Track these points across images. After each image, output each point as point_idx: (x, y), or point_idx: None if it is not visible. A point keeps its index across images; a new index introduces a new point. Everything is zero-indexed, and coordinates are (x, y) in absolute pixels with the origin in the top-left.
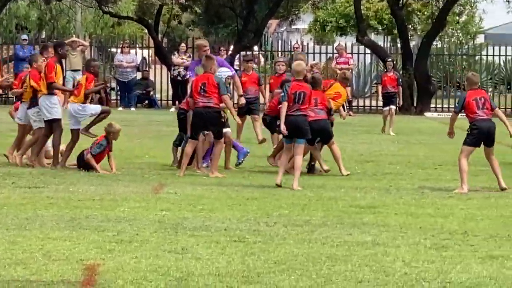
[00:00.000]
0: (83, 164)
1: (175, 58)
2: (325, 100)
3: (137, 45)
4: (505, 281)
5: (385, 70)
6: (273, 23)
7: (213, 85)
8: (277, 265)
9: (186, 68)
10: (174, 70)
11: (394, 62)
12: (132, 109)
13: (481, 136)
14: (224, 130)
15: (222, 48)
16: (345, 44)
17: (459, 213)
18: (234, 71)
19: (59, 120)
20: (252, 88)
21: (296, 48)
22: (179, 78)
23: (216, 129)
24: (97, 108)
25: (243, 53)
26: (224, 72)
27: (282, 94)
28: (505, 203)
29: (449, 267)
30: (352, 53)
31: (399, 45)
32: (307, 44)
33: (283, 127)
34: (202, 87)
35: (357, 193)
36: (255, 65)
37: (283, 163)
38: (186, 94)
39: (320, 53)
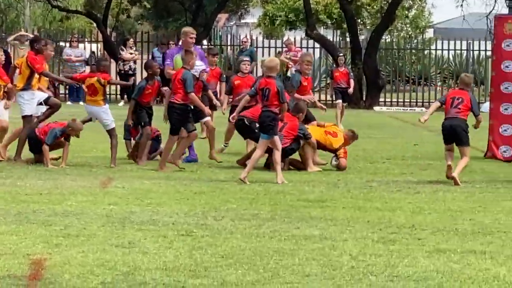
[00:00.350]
0: (34, 146)
1: (124, 54)
2: (294, 130)
3: (86, 39)
4: (452, 275)
5: (336, 65)
6: (222, 17)
7: (178, 81)
8: (225, 259)
9: (135, 62)
10: (124, 64)
11: (345, 57)
12: (81, 103)
13: (445, 133)
14: (205, 119)
15: (171, 42)
16: (294, 38)
17: (406, 207)
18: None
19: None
20: (214, 83)
21: (245, 42)
22: (130, 72)
23: (172, 125)
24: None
25: (205, 46)
26: (199, 66)
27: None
28: (453, 197)
29: (397, 261)
30: (301, 47)
31: (348, 39)
32: (256, 38)
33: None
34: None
35: (305, 186)
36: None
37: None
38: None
39: (269, 47)
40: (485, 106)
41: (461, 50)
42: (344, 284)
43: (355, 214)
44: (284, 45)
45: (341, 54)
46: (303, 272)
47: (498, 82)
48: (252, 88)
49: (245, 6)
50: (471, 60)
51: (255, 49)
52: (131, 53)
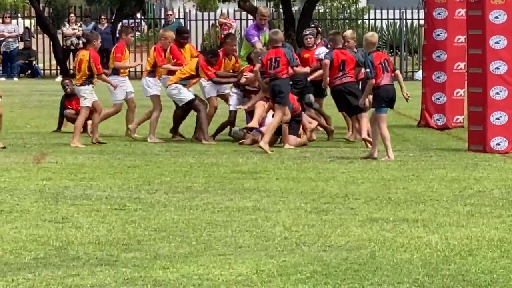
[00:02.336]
0: None
1: (66, 30)
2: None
3: (19, 15)
4: (384, 243)
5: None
6: None
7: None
8: (157, 232)
9: (78, 38)
10: (66, 40)
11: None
12: (15, 79)
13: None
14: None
15: (103, 17)
16: (227, 11)
17: (340, 176)
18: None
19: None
20: None
21: (170, 15)
22: (72, 47)
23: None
24: None
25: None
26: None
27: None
28: (386, 166)
29: (329, 231)
30: (235, 19)
31: (281, 10)
32: (189, 11)
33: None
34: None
35: (239, 158)
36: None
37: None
38: None
39: (202, 20)
40: (418, 75)
41: (394, 19)
42: (277, 255)
43: (289, 185)
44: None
45: (313, 26)
46: (236, 243)
47: (430, 51)
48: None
49: None
50: (404, 29)
51: (181, 21)
52: (73, 29)
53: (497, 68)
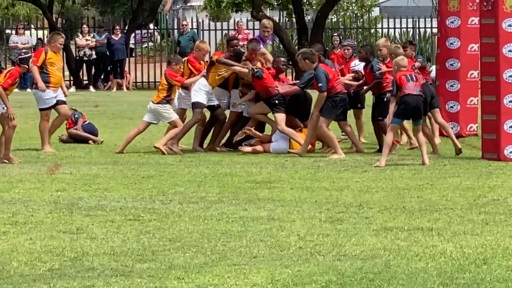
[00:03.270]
0: None
1: (79, 40)
2: None
3: (32, 26)
4: (399, 252)
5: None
6: (168, 0)
7: None
8: (172, 243)
9: (91, 49)
10: (79, 51)
11: (340, 37)
12: (28, 90)
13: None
14: None
15: (117, 27)
16: (241, 20)
17: (354, 186)
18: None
19: None
20: None
21: (185, 25)
22: (85, 58)
23: None
24: None
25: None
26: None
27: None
28: (400, 174)
29: (344, 240)
30: (248, 29)
31: (294, 20)
32: (202, 21)
33: None
34: None
35: (253, 168)
36: (151, 43)
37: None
38: (91, 74)
39: (215, 30)
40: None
41: (407, 28)
42: (292, 265)
43: (303, 194)
44: (234, 27)
45: (336, 34)
46: (250, 253)
47: (443, 59)
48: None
49: None
50: (417, 38)
51: (195, 31)
52: (86, 40)
53: (510, 76)
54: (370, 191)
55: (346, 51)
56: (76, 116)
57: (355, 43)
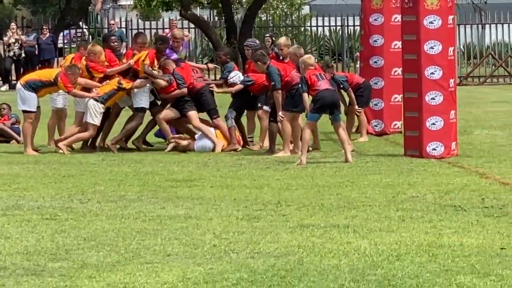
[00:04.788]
0: None
1: (6, 39)
2: None
3: None
4: (313, 249)
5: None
6: (98, 0)
7: None
8: (87, 242)
9: (20, 48)
10: (9, 50)
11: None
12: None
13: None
14: None
15: (44, 27)
16: (176, 18)
17: (274, 183)
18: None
19: None
20: None
21: (112, 24)
22: (14, 58)
23: None
24: None
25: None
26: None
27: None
28: (322, 172)
29: (259, 238)
30: (182, 28)
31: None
32: (131, 20)
33: None
34: None
35: (174, 167)
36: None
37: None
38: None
39: (144, 29)
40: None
41: (335, 26)
42: (205, 262)
43: (222, 192)
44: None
45: (268, 35)
46: (164, 252)
47: (367, 57)
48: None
49: None
50: (346, 36)
51: (123, 30)
52: (15, 39)
53: (432, 73)
54: (290, 189)
55: (246, 51)
56: (12, 115)
57: (257, 42)
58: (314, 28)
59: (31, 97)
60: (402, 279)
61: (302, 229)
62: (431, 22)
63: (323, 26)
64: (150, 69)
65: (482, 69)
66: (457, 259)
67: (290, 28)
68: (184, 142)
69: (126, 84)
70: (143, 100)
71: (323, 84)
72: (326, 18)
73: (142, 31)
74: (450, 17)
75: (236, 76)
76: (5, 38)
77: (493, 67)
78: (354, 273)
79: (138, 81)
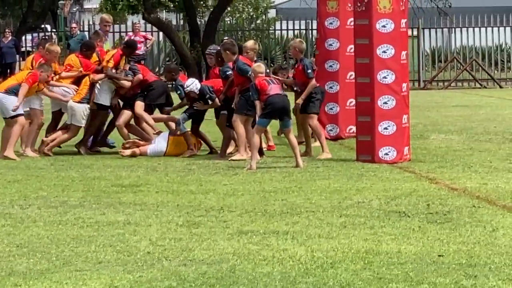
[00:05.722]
0: None
1: None
2: None
3: None
4: (248, 256)
5: None
6: (67, 3)
7: None
8: (19, 248)
9: None
10: None
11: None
12: None
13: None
14: None
15: (6, 30)
16: (139, 22)
17: (221, 189)
18: None
19: None
20: None
21: (74, 28)
22: None
23: None
24: None
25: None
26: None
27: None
28: (270, 177)
29: (195, 245)
30: (145, 31)
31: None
32: (93, 23)
33: None
34: None
35: (123, 172)
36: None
37: None
38: None
39: (113, 32)
40: None
41: (299, 29)
42: (135, 270)
43: (167, 198)
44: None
45: (226, 38)
46: (96, 259)
47: (322, 60)
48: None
49: None
50: (310, 39)
51: (85, 33)
52: None
53: (384, 77)
54: (235, 194)
55: (208, 59)
56: None
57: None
58: (280, 32)
59: (13, 101)
60: (333, 287)
61: (240, 236)
62: (383, 26)
63: (287, 29)
64: (113, 71)
65: (448, 73)
66: (392, 266)
67: (255, 32)
68: (137, 151)
69: (97, 77)
70: (105, 98)
71: (274, 89)
72: (292, 22)
73: (110, 34)
74: (403, 20)
75: (193, 84)
76: None
77: (458, 71)
78: (285, 281)
79: (101, 75)
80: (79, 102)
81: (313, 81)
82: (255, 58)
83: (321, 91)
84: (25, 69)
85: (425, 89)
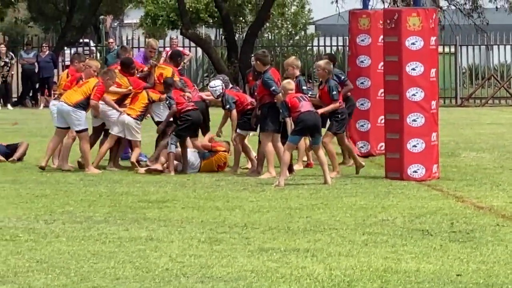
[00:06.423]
0: None
1: None
2: None
3: None
4: (266, 274)
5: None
6: (107, 18)
7: None
8: (39, 264)
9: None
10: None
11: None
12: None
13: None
14: None
15: (44, 45)
16: (177, 37)
17: (247, 205)
18: None
19: None
20: None
21: (111, 43)
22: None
23: None
24: None
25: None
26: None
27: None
28: (298, 194)
29: (215, 261)
30: (183, 47)
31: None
32: (138, 38)
33: None
34: None
35: (151, 187)
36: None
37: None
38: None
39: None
40: None
41: (337, 46)
42: (152, 286)
43: (192, 214)
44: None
45: (253, 55)
46: (114, 275)
47: (354, 77)
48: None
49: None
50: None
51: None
52: (5, 62)
53: (413, 95)
54: (261, 211)
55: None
56: None
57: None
58: (317, 48)
59: (83, 116)
60: None
61: (260, 253)
62: (413, 43)
63: (325, 46)
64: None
65: (486, 90)
66: (409, 285)
67: (293, 48)
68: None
69: (154, 96)
70: (163, 114)
71: (305, 106)
72: (332, 38)
73: (143, 49)
74: (433, 38)
75: (216, 87)
76: None
77: (495, 89)
78: None
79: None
80: (134, 118)
81: (337, 104)
82: (297, 74)
83: (348, 112)
84: (63, 82)
85: (462, 106)
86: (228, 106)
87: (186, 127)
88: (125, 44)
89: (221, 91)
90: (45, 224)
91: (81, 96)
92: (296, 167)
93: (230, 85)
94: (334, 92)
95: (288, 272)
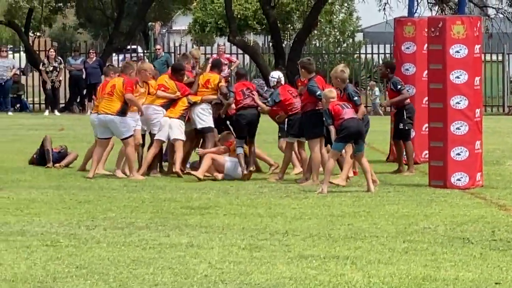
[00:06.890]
0: None
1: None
2: None
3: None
4: (304, 281)
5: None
6: (156, 25)
7: None
8: (78, 270)
9: (58, 74)
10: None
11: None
12: (10, 113)
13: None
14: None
15: (91, 51)
16: (224, 44)
17: (289, 212)
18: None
19: None
20: None
21: (158, 49)
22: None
23: None
24: None
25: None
26: None
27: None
28: (340, 201)
29: (254, 268)
30: (231, 53)
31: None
32: (186, 45)
33: None
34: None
35: (194, 193)
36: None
37: None
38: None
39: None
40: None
41: (384, 53)
42: None
43: (234, 220)
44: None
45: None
46: (153, 281)
47: None
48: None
49: (168, 14)
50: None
51: (169, 55)
52: (53, 66)
53: (457, 103)
54: (302, 218)
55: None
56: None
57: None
58: (365, 55)
59: (128, 122)
60: None
61: (300, 260)
62: (457, 51)
63: (372, 53)
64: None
65: None
66: None
67: (343, 55)
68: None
69: (195, 98)
70: (207, 120)
71: (348, 113)
72: (380, 46)
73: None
74: (477, 46)
75: (274, 78)
76: (41, 67)
77: None
78: None
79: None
80: (177, 118)
81: (362, 107)
82: (345, 84)
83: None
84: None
85: (509, 114)
86: (267, 101)
87: (241, 128)
88: (172, 50)
89: (275, 83)
90: (86, 229)
91: (118, 102)
92: (295, 170)
93: (266, 88)
94: (356, 98)
95: (327, 279)
